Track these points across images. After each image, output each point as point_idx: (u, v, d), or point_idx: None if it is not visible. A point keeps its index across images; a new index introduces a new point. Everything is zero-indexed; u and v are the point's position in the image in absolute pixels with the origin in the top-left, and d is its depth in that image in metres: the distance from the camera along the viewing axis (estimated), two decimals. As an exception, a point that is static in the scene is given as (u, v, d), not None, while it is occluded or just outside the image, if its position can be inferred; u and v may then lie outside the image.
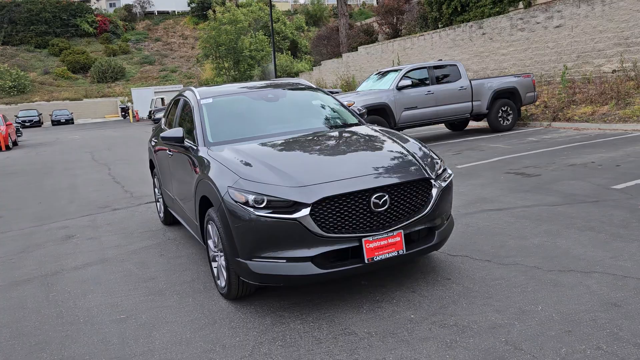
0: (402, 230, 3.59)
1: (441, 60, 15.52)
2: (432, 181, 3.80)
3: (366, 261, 3.50)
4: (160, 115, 25.63)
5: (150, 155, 6.66)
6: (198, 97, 5.08)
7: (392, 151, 4.07)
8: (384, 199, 3.53)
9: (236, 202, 3.55)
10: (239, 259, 3.60)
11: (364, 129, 4.75)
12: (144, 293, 4.28)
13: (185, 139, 4.76)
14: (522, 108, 13.75)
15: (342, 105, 5.40)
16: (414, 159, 3.92)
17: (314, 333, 3.34)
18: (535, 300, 3.49)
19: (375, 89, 11.91)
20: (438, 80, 12.03)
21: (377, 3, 26.01)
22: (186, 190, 4.71)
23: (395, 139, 4.35)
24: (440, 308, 3.51)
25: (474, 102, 12.21)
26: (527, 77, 12.77)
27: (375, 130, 4.68)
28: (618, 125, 11.28)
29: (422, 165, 3.86)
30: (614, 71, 14.24)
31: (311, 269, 3.43)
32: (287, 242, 3.42)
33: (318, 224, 3.41)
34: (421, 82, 11.85)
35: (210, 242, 4.16)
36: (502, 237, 4.79)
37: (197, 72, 53.53)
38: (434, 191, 3.78)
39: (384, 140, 4.35)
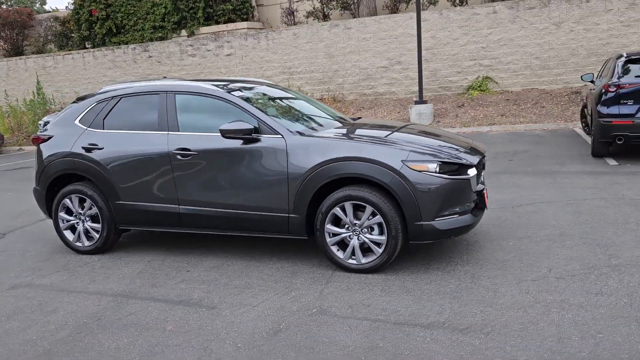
0: None
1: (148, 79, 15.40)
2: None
3: (486, 208, 4.63)
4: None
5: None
6: (225, 91, 4.80)
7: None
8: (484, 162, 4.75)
9: (418, 171, 4.07)
10: (420, 223, 4.10)
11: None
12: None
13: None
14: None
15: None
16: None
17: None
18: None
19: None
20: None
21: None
22: (253, 186, 4.46)
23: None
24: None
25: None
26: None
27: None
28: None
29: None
30: (281, 94, 17.49)
31: (471, 218, 4.32)
32: (459, 199, 4.22)
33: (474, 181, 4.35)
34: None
35: (331, 228, 4.31)
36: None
37: None
38: None
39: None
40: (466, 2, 16.52)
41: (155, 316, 3.79)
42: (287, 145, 4.40)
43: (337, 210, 4.28)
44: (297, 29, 17.26)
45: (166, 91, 4.96)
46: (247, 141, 4.50)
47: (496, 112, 13.65)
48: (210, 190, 4.66)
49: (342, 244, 4.39)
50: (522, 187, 6.85)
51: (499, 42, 15.16)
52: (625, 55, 8.10)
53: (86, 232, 5.24)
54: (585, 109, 10.66)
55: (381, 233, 4.22)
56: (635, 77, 7.67)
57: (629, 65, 7.89)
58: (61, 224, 5.30)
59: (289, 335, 3.39)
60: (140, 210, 4.94)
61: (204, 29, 19.08)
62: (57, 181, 5.32)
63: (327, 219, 4.32)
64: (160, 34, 19.56)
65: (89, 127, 5.18)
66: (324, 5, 18.10)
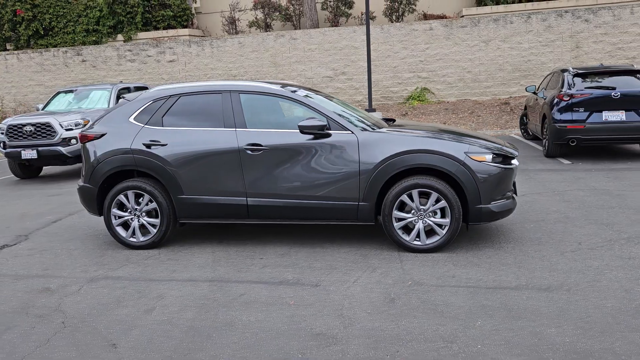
0: None
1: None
2: None
3: (517, 195, 5.42)
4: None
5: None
6: (290, 91, 5.22)
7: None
8: None
9: (479, 161, 4.76)
10: (480, 206, 4.79)
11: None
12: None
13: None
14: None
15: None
16: None
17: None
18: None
19: (89, 108, 10.97)
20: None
21: None
22: (324, 177, 4.91)
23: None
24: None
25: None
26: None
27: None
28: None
29: None
30: (226, 101, 17.64)
31: (512, 203, 5.08)
32: (506, 186, 4.97)
33: (513, 169, 5.12)
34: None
35: (398, 213, 4.86)
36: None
37: None
38: None
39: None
40: (402, 19, 17.78)
41: (267, 294, 4.12)
42: (358, 140, 4.90)
43: (405, 197, 4.85)
44: (242, 37, 17.55)
45: (230, 90, 5.26)
46: (318, 136, 4.94)
47: (438, 120, 14.87)
48: (281, 182, 5.03)
49: (405, 228, 4.95)
50: (505, 182, 7.81)
51: (435, 57, 16.50)
52: (571, 69, 9.44)
53: (141, 227, 5.35)
54: (525, 117, 12.09)
55: (443, 216, 4.84)
56: (585, 88, 9.00)
57: (576, 78, 9.22)
58: (113, 220, 5.36)
59: (406, 302, 3.89)
60: (205, 204, 5.17)
61: (143, 35, 18.75)
62: (109, 179, 5.38)
63: (394, 206, 4.87)
64: (94, 38, 18.90)
65: (146, 124, 5.31)
66: (267, 16, 18.55)
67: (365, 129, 5.02)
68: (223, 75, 17.63)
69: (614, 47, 15.58)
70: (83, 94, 11.59)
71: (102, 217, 5.60)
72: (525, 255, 4.75)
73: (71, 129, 9.92)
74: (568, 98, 8.97)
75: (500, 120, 14.43)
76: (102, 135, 5.39)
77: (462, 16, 16.92)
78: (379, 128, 5.16)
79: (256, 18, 18.64)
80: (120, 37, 18.84)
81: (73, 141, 9.86)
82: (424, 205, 4.86)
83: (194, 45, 17.77)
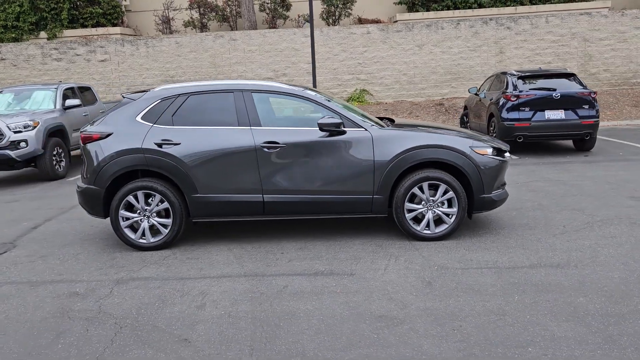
0: None
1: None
2: None
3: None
4: None
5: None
6: (302, 90, 5.42)
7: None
8: None
9: (482, 155, 5.22)
10: (484, 196, 5.25)
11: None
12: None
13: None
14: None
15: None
16: None
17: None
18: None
19: (33, 109, 10.36)
20: (88, 102, 11.72)
21: None
22: (340, 173, 5.15)
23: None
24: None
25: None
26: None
27: None
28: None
29: None
30: (164, 102, 17.21)
31: (506, 192, 5.59)
32: (502, 176, 5.48)
33: (505, 162, 5.64)
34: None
35: (409, 205, 5.20)
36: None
37: None
38: None
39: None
40: (338, 22, 18.29)
41: (310, 285, 4.29)
42: (372, 136, 5.18)
43: (416, 190, 5.20)
44: (180, 37, 17.21)
45: (241, 90, 5.34)
46: (335, 134, 5.16)
47: (380, 120, 15.48)
48: (297, 178, 5.19)
49: (414, 218, 5.30)
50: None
51: (373, 59, 17.16)
52: (514, 72, 10.33)
53: (150, 227, 5.28)
54: (466, 117, 12.96)
55: (450, 206, 5.24)
56: (530, 89, 9.89)
57: (520, 80, 10.10)
58: (121, 222, 5.25)
59: (443, 284, 4.23)
60: (220, 202, 5.21)
61: (69, 32, 17.84)
62: (116, 180, 5.26)
63: (406, 198, 5.20)
64: (13, 35, 17.69)
65: (155, 123, 5.26)
66: (203, 16, 18.33)
67: (376, 127, 5.31)
68: (160, 76, 17.18)
69: (532, 52, 17.03)
70: (24, 94, 10.94)
71: (95, 218, 5.45)
72: (523, 238, 5.26)
73: (20, 132, 9.35)
74: (515, 98, 9.81)
75: (437, 120, 15.29)
76: (108, 135, 5.26)
77: (396, 21, 17.71)
78: (387, 126, 5.47)
79: (192, 18, 18.35)
80: (43, 34, 17.77)
81: (23, 144, 9.30)
82: (433, 196, 5.23)
83: (128, 44, 17.17)
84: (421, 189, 5.20)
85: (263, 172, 5.19)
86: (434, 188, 5.23)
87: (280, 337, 3.45)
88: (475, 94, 11.95)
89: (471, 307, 3.79)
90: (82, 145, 5.39)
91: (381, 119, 6.35)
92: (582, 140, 10.06)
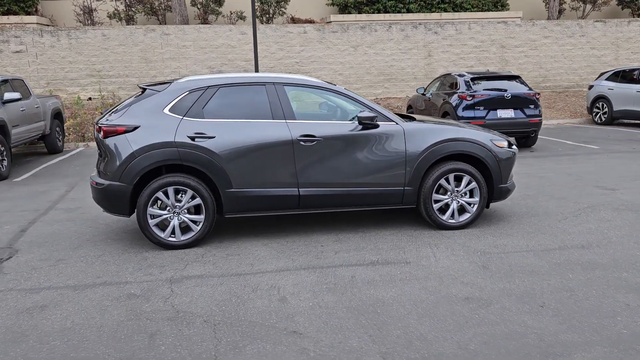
0: None
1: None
2: None
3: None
4: None
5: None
6: (324, 83, 5.46)
7: None
8: None
9: (500, 147, 5.60)
10: (501, 185, 5.64)
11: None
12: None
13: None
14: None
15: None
16: None
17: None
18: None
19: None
20: (25, 97, 10.73)
21: None
22: (374, 165, 5.28)
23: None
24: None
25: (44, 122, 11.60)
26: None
27: None
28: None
29: None
30: (89, 99, 16.16)
31: (514, 183, 6.04)
32: (513, 167, 5.90)
33: (510, 155, 6.08)
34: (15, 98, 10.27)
35: (436, 196, 5.45)
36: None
37: None
38: None
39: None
40: (272, 21, 18.26)
41: (375, 274, 4.36)
42: (404, 130, 5.35)
43: (443, 181, 5.45)
44: (107, 30, 16.23)
45: (273, 82, 5.27)
46: (369, 127, 5.26)
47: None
48: (333, 171, 5.23)
49: (439, 209, 5.55)
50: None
51: (310, 59, 17.35)
52: (466, 74, 11.02)
53: (179, 224, 5.05)
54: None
55: (472, 196, 5.56)
56: (483, 90, 10.60)
57: (473, 81, 10.80)
58: (150, 220, 4.96)
59: (498, 267, 4.50)
60: (256, 197, 5.11)
61: (-24, 20, 16.12)
62: (145, 175, 4.96)
63: (434, 189, 5.44)
64: None
65: (184, 116, 5.03)
66: (129, 8, 17.44)
67: (406, 120, 5.49)
68: (85, 70, 16.07)
69: (457, 56, 18.17)
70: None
71: (88, 218, 5.11)
72: (535, 225, 5.70)
73: (-40, 127, 8.38)
74: (470, 98, 10.47)
75: (376, 119, 15.79)
76: (135, 128, 4.94)
77: (330, 22, 18.03)
78: (414, 120, 5.68)
79: (117, 9, 17.37)
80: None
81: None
82: (457, 187, 5.51)
83: (47, 35, 15.88)
84: (448, 180, 5.46)
85: (299, 165, 5.16)
86: (457, 179, 5.51)
87: (388, 324, 3.51)
88: (422, 94, 12.55)
89: (540, 287, 4.08)
90: (100, 139, 5.02)
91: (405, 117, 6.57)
92: (527, 137, 10.97)
